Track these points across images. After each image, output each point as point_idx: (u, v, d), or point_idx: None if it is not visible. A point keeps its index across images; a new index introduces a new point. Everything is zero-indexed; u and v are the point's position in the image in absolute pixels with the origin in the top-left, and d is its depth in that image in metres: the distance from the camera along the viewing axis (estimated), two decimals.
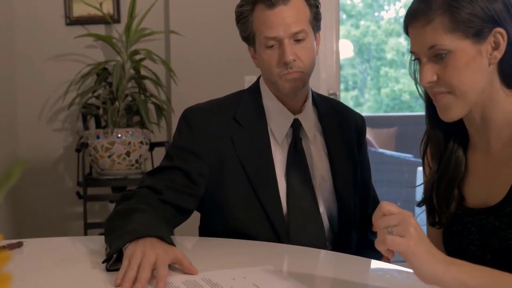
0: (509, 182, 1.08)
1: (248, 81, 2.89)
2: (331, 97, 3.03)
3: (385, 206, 0.91)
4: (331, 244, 1.52)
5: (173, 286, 1.04)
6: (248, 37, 1.50)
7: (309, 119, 1.54)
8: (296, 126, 1.51)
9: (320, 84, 2.99)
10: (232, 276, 1.09)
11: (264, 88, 1.53)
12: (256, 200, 1.44)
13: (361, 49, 10.03)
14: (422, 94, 1.21)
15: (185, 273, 1.10)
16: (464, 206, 1.19)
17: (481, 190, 1.16)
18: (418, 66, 1.15)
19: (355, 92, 10.28)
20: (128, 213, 1.26)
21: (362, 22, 10.02)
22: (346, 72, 10.11)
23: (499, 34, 1.07)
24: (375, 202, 1.68)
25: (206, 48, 2.96)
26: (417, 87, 1.19)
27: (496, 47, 1.08)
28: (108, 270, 1.12)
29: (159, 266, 1.05)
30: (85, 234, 2.71)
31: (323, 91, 3.00)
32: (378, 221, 0.90)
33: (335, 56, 3.04)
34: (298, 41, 1.42)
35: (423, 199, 1.25)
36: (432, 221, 1.24)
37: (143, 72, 2.92)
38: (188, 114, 1.52)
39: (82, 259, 1.24)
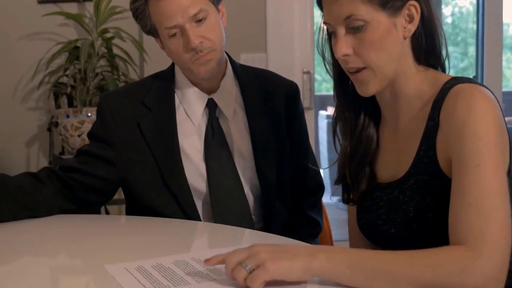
0: (412, 155, 1.08)
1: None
2: (305, 75, 3.03)
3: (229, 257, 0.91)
4: (261, 222, 1.50)
5: (164, 267, 1.03)
6: (151, 31, 1.46)
7: (226, 96, 1.50)
8: (212, 106, 1.48)
9: (294, 62, 2.97)
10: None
11: (177, 71, 1.51)
12: (165, 187, 1.44)
13: None
14: (330, 71, 1.19)
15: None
16: (375, 182, 1.18)
17: (390, 165, 1.16)
18: (326, 43, 1.13)
19: None
20: None
21: None
22: None
23: (413, 7, 1.06)
24: (315, 171, 1.63)
25: None
26: (325, 64, 1.17)
27: (410, 20, 1.07)
28: None
29: None
30: None
31: (297, 69, 2.98)
32: (227, 263, 0.90)
33: (309, 35, 3.00)
34: (200, 21, 1.38)
35: (338, 177, 1.23)
36: (346, 199, 1.23)
37: (116, 51, 2.90)
38: (101, 100, 1.53)
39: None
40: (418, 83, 1.11)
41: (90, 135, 1.53)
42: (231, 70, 1.53)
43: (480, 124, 0.96)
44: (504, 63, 7.74)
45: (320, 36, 1.15)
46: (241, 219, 1.45)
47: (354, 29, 1.05)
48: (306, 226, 1.57)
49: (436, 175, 1.04)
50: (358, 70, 1.08)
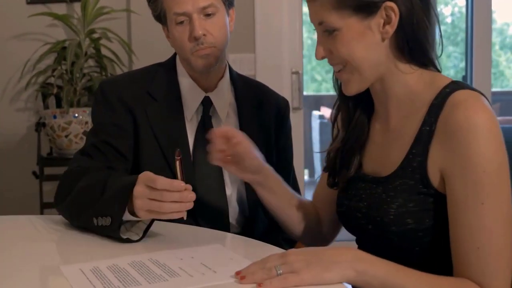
0: (401, 156, 1.08)
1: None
2: (294, 75, 3.02)
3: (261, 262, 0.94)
4: (240, 226, 1.50)
5: (119, 268, 1.03)
6: (160, 16, 1.48)
7: (222, 97, 1.52)
8: (207, 104, 1.50)
9: (282, 62, 2.96)
10: (179, 257, 1.08)
11: (178, 64, 1.52)
12: (170, 175, 1.42)
13: None
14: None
15: None
16: (361, 172, 1.19)
17: (376, 159, 1.17)
18: None
19: None
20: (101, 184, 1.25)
21: None
22: None
23: (390, 9, 1.05)
24: (295, 186, 1.63)
25: None
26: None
27: (388, 21, 1.05)
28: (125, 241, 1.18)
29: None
30: (42, 213, 2.72)
31: (286, 70, 2.97)
32: (260, 272, 0.91)
33: (298, 35, 2.99)
34: (208, 15, 1.41)
35: (327, 163, 1.25)
36: (331, 182, 1.24)
37: (105, 51, 2.90)
38: (104, 87, 1.51)
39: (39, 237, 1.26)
40: (410, 83, 1.10)
41: (100, 124, 1.47)
42: (228, 76, 1.55)
43: (485, 151, 0.96)
44: (504, 63, 7.71)
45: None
46: (216, 220, 1.44)
47: (328, 32, 1.08)
48: (282, 231, 1.56)
49: (422, 182, 1.04)
50: (336, 65, 1.11)
